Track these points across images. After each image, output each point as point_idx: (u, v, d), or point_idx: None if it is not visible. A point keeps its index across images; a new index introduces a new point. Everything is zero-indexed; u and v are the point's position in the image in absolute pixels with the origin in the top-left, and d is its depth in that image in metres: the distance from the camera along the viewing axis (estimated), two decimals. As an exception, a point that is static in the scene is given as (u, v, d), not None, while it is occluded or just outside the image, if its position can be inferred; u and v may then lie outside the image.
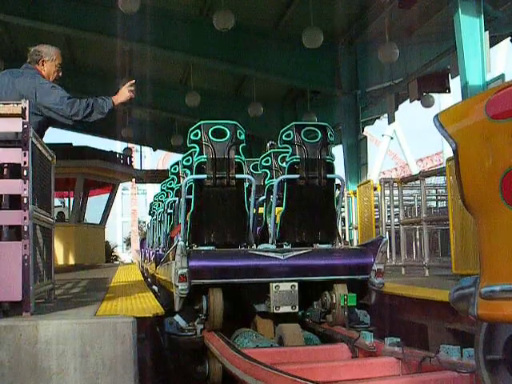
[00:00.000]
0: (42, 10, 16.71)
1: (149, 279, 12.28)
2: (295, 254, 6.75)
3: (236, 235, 7.24)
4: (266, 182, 8.38)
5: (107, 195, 22.88)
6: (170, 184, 10.93)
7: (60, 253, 18.34)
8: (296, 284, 6.54)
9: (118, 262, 30.40)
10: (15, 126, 4.70)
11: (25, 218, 4.59)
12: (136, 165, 28.84)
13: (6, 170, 5.08)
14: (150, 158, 56.78)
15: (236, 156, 7.09)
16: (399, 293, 7.52)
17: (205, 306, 6.47)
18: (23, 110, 4.69)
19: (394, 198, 11.28)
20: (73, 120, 5.94)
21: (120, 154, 24.32)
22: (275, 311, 6.46)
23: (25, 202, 4.61)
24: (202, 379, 6.42)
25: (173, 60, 21.52)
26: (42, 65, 6.19)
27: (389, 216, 11.34)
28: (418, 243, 12.40)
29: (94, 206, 22.38)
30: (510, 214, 2.32)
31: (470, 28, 11.67)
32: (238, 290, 6.81)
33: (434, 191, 14.02)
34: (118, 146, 36.58)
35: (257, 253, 6.78)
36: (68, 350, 4.24)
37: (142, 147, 33.39)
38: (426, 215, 10.05)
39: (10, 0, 15.92)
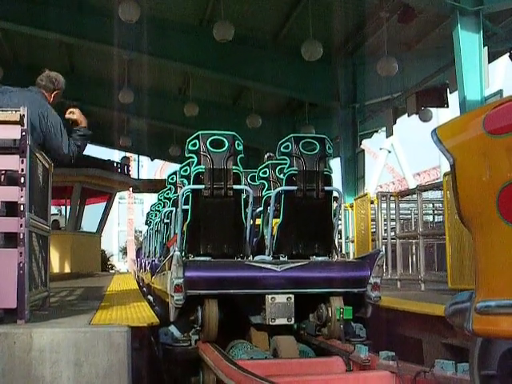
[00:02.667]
0: (42, 18, 16.69)
1: (144, 289, 12.29)
2: (291, 265, 6.70)
3: (232, 246, 7.19)
4: (263, 194, 8.36)
5: (104, 204, 22.86)
6: (167, 194, 10.93)
7: (56, 261, 18.29)
8: (292, 296, 6.50)
9: (113, 271, 30.33)
10: (13, 133, 4.70)
11: (21, 226, 4.58)
12: (133, 174, 28.81)
13: (3, 176, 5.07)
14: (148, 168, 56.88)
15: (234, 167, 7.10)
16: (395, 307, 7.51)
17: (200, 316, 6.44)
18: (21, 117, 4.69)
19: (391, 212, 11.28)
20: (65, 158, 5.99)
21: (118, 163, 24.33)
22: (270, 323, 6.42)
23: (21, 209, 4.60)
24: None
25: (172, 70, 21.54)
26: (53, 93, 6.12)
27: (385, 229, 11.34)
28: (415, 257, 12.38)
29: (91, 214, 22.34)
30: (506, 229, 2.33)
31: (469, 43, 11.70)
32: (233, 301, 6.77)
33: (430, 205, 14.02)
34: (115, 155, 36.63)
35: (253, 264, 6.74)
36: (62, 359, 4.23)
37: (140, 157, 33.38)
38: (423, 229, 10.06)
39: (10, 7, 15.91)
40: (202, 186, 6.97)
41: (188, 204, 7.15)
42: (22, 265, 4.53)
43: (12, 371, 4.16)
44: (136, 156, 33.12)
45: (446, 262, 8.58)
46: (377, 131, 23.97)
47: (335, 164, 23.08)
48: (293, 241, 7.30)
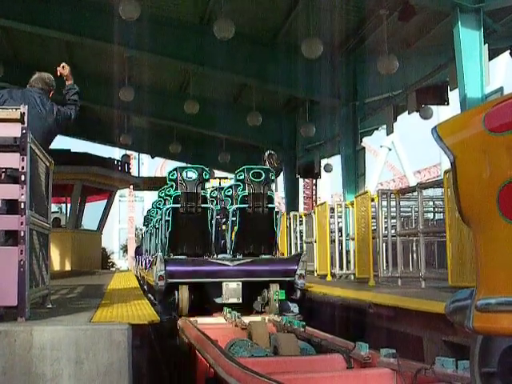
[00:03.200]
0: (43, 16, 16.68)
1: (141, 281, 13.17)
2: (241, 262, 9.87)
3: (201, 248, 10.43)
4: (228, 207, 11.00)
5: (105, 202, 22.84)
6: (169, 191, 12.13)
7: (56, 258, 18.30)
8: (240, 283, 9.53)
9: (114, 269, 30.32)
10: (14, 131, 4.69)
11: (21, 223, 4.58)
12: (134, 172, 28.79)
13: (3, 174, 5.08)
14: (148, 166, 56.70)
15: (202, 191, 10.34)
16: (396, 304, 7.52)
17: (176, 298, 9.36)
18: (22, 115, 4.69)
19: (392, 210, 11.26)
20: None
21: (118, 161, 24.32)
22: (225, 302, 9.33)
23: (22, 207, 4.60)
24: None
25: (172, 68, 21.48)
26: (50, 93, 6.66)
27: (386, 227, 11.32)
28: (415, 255, 12.37)
29: (92, 212, 22.33)
30: (506, 227, 2.32)
31: (470, 41, 11.66)
32: (200, 287, 9.73)
33: (431, 203, 14.00)
34: (116, 153, 36.58)
35: (214, 261, 9.91)
36: (62, 356, 4.23)
37: (140, 154, 33.32)
38: (423, 227, 10.04)
39: (11, 5, 15.89)
40: (179, 205, 10.17)
41: (170, 217, 10.17)
42: (22, 263, 4.53)
43: (12, 369, 4.16)
44: (136, 154, 33.08)
45: (447, 260, 8.57)
46: (377, 129, 23.95)
47: (336, 162, 23.14)
48: (246, 243, 10.43)
